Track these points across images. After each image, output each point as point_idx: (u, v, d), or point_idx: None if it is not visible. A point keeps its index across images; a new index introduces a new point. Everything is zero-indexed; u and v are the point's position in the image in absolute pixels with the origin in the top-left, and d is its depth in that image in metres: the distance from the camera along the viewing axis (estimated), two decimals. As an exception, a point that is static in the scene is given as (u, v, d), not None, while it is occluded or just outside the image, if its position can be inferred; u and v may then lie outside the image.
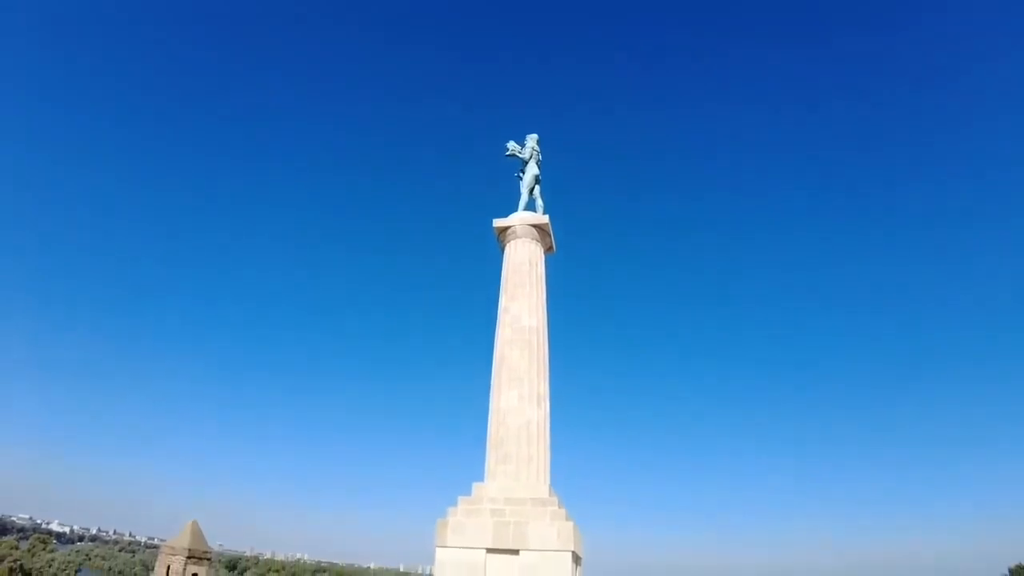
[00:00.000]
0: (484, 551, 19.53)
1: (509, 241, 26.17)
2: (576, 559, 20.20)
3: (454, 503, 21.23)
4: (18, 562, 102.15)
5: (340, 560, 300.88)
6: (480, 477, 22.41)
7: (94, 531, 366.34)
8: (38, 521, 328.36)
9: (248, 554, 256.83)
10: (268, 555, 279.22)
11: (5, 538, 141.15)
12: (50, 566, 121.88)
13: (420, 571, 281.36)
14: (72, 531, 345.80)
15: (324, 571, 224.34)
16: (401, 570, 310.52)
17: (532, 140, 28.93)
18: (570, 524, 19.55)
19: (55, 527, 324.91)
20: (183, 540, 39.12)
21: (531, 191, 27.90)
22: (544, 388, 23.33)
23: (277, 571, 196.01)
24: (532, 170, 28.13)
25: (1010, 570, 78.35)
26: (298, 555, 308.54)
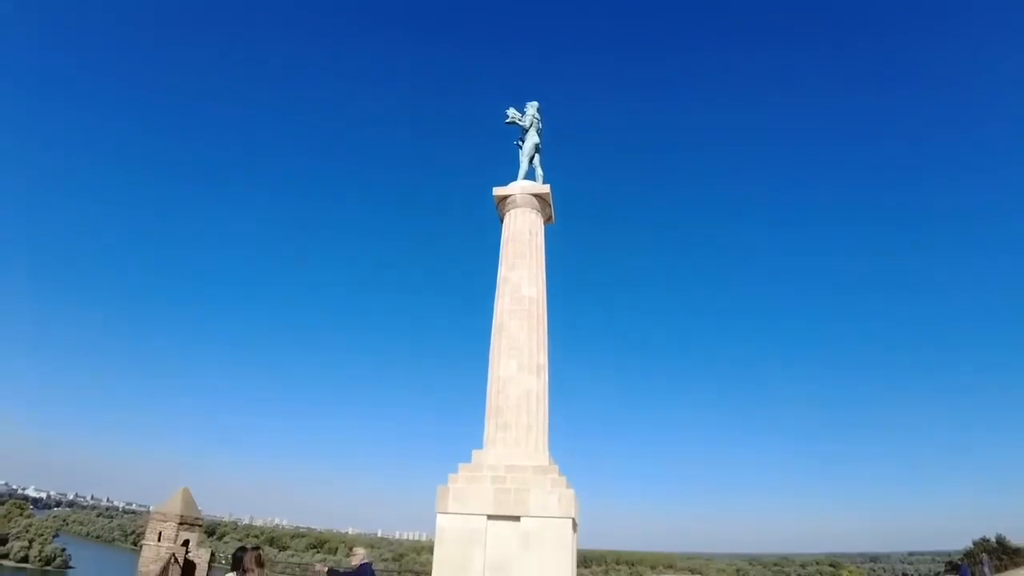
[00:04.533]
0: (485, 517, 19.68)
1: (509, 210, 25.84)
2: (574, 525, 20.48)
3: (455, 470, 21.30)
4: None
5: (318, 526, 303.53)
6: (477, 445, 22.48)
7: (71, 497, 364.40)
8: (14, 487, 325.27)
9: (226, 519, 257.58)
10: (246, 520, 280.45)
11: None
12: (27, 532, 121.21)
13: (397, 536, 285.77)
14: (49, 496, 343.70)
15: (302, 536, 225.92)
16: (379, 535, 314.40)
17: (532, 108, 28.32)
18: (570, 492, 19.75)
19: (31, 493, 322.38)
20: (174, 506, 38.76)
21: (531, 160, 27.39)
22: (543, 358, 23.32)
23: (256, 536, 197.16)
24: (532, 138, 27.57)
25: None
26: (276, 520, 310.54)
